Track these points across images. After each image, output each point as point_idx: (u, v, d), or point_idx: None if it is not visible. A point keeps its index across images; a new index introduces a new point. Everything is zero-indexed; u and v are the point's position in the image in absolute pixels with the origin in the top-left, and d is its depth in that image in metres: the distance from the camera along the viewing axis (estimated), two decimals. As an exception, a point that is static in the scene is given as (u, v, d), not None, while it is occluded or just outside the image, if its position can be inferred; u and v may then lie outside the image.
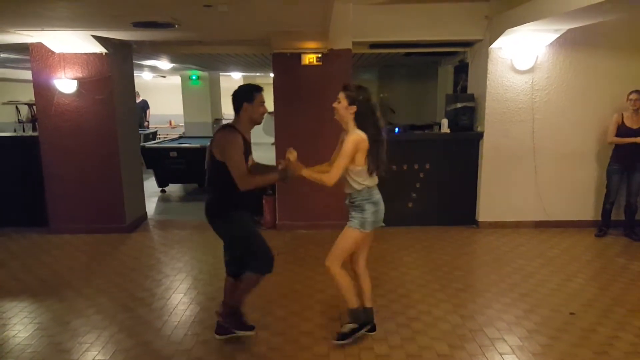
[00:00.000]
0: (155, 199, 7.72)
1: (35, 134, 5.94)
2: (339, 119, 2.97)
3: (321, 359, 2.97)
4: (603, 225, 5.44)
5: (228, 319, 3.15)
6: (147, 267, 4.63)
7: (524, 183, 5.68)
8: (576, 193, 5.70)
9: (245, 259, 3.06)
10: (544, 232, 5.56)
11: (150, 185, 7.90)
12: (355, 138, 2.85)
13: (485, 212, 5.79)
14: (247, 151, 2.96)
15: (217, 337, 3.18)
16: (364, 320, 3.14)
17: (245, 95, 2.93)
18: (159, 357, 3.01)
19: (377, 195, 3.02)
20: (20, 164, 5.79)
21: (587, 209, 5.74)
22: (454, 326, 3.37)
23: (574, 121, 5.53)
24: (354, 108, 2.88)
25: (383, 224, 3.07)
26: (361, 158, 2.88)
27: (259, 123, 3.03)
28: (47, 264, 4.71)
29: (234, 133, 2.91)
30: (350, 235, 2.99)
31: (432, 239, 5.35)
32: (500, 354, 3.01)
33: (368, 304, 3.21)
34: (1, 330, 3.38)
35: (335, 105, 2.94)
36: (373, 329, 3.24)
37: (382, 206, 3.03)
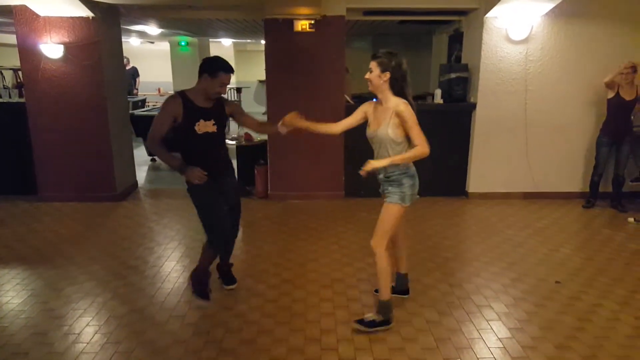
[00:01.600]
0: (146, 168, 7.66)
1: (22, 100, 5.80)
2: (374, 90, 2.83)
3: (313, 324, 3.04)
4: (591, 197, 5.53)
5: (193, 280, 3.30)
6: (139, 235, 4.64)
7: (514, 154, 5.71)
8: (565, 165, 5.76)
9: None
10: (533, 203, 5.64)
11: (140, 154, 7.82)
12: (408, 107, 2.75)
13: (475, 183, 5.84)
14: (195, 116, 2.94)
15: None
16: (388, 317, 2.97)
17: (210, 68, 2.91)
18: (153, 323, 3.06)
19: (413, 168, 2.92)
20: (8, 131, 5.67)
21: (575, 180, 5.81)
22: (443, 294, 3.45)
23: (566, 93, 5.52)
24: (387, 75, 2.76)
25: (418, 196, 3.00)
26: (403, 129, 2.77)
27: (212, 99, 3.02)
28: (38, 231, 4.69)
29: (172, 98, 2.95)
30: (392, 211, 2.86)
31: (422, 209, 5.40)
32: (487, 320, 3.10)
33: (403, 270, 3.31)
34: (-6, 297, 3.39)
35: (367, 76, 2.80)
36: (407, 292, 3.36)
37: (417, 179, 2.95)
